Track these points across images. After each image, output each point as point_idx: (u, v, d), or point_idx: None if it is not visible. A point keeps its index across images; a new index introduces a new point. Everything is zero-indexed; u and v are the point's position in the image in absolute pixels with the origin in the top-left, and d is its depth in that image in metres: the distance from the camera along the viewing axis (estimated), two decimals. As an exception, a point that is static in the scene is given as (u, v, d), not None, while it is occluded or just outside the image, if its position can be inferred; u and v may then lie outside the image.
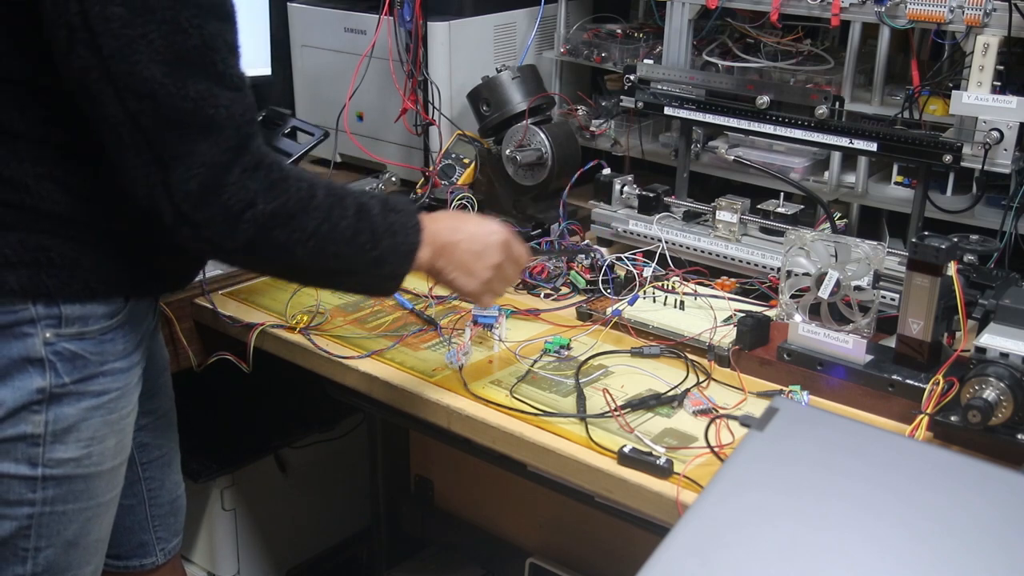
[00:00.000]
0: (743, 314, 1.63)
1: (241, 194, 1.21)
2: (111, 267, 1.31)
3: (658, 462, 1.33)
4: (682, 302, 1.74)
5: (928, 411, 1.37)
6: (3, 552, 1.34)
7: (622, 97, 2.05)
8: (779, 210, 1.84)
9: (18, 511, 1.32)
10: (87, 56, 1.16)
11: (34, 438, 1.30)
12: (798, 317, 1.58)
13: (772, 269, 1.79)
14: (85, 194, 1.27)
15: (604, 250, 1.92)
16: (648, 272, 1.83)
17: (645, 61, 2.03)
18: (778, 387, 1.54)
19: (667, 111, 1.96)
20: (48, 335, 1.29)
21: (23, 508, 1.32)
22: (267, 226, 1.24)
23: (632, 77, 2.01)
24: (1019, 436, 1.31)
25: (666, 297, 1.76)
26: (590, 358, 1.62)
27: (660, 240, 1.90)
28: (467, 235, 1.41)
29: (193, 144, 1.19)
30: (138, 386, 1.43)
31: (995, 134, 1.63)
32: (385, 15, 2.16)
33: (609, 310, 1.73)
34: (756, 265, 1.82)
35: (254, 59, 2.44)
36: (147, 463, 1.62)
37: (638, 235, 1.94)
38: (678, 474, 1.33)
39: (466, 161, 2.18)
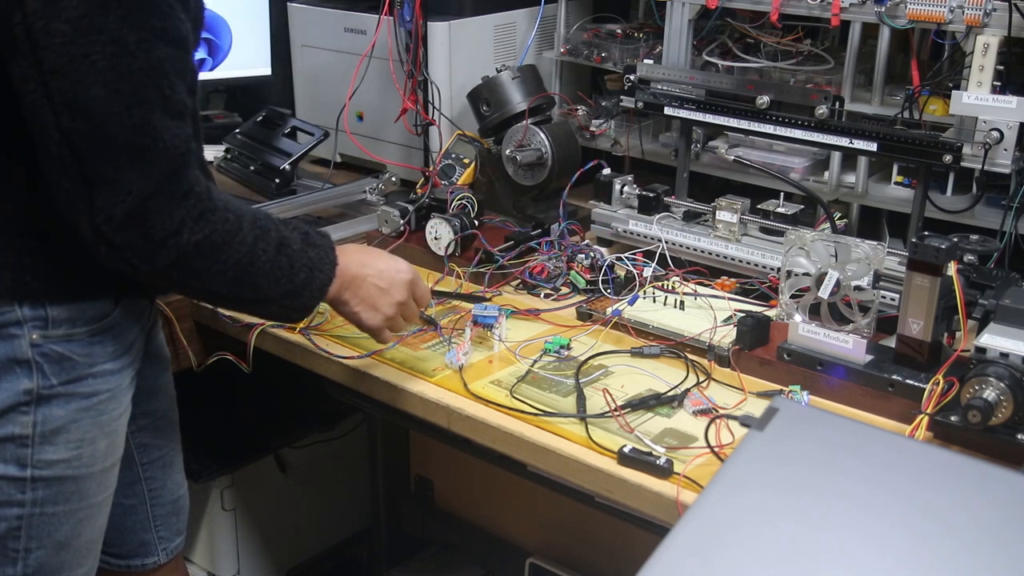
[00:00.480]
0: (743, 314, 1.63)
1: (166, 222, 1.21)
2: (97, 269, 1.30)
3: (658, 462, 1.33)
4: (682, 302, 1.74)
5: (928, 411, 1.37)
6: None
7: (622, 97, 2.05)
8: (779, 210, 1.84)
9: (8, 512, 1.33)
10: (26, 67, 1.15)
11: (22, 439, 1.31)
12: (798, 317, 1.58)
13: (772, 269, 1.79)
14: None
15: (604, 250, 1.92)
16: (648, 272, 1.83)
17: (645, 61, 2.03)
18: (778, 387, 1.54)
19: (667, 111, 1.96)
20: (35, 336, 1.29)
21: (12, 509, 1.33)
22: (189, 255, 1.24)
23: (632, 77, 2.01)
24: (1019, 436, 1.31)
25: (666, 297, 1.76)
26: (590, 358, 1.62)
27: (660, 240, 1.89)
28: (375, 271, 1.45)
29: (124, 171, 1.18)
30: (131, 387, 1.43)
31: (995, 134, 1.63)
32: (385, 15, 2.16)
33: (609, 310, 1.73)
34: (756, 265, 1.82)
35: (254, 59, 2.46)
36: (147, 463, 1.62)
37: (638, 235, 1.94)
38: (678, 474, 1.33)
39: (466, 161, 2.18)
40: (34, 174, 1.25)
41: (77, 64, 1.14)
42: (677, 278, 1.83)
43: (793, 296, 1.61)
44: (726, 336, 1.63)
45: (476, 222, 1.95)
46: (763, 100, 1.83)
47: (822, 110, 1.78)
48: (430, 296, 1.58)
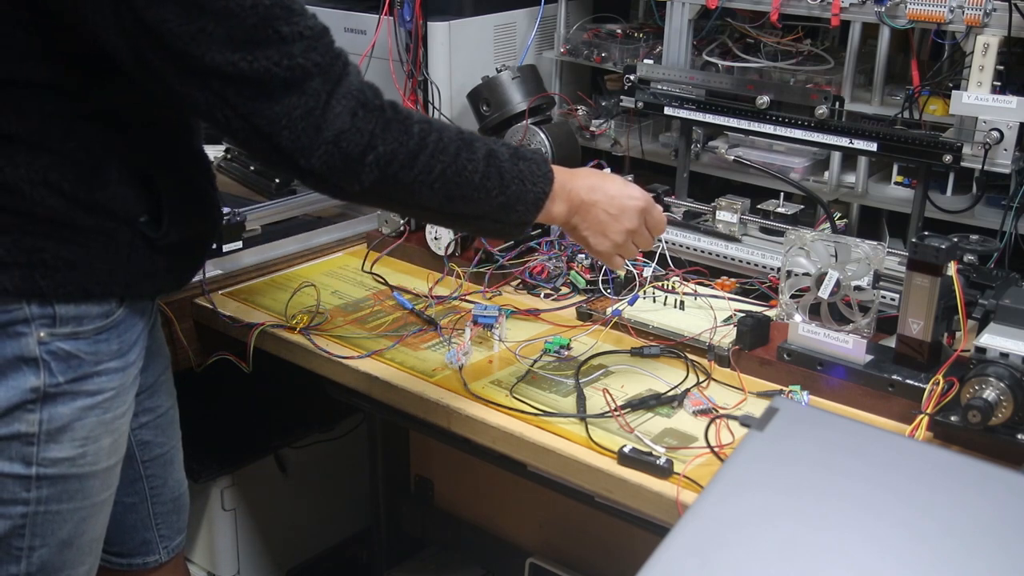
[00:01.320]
0: (743, 314, 1.63)
1: (358, 138, 1.23)
2: (105, 268, 1.31)
3: (658, 462, 1.33)
4: (682, 302, 1.74)
5: (928, 411, 1.37)
6: None
7: (622, 97, 2.05)
8: (779, 210, 1.84)
9: (12, 510, 1.32)
10: (156, 58, 1.18)
11: (28, 437, 1.30)
12: (798, 317, 1.58)
13: (772, 269, 1.79)
14: (80, 197, 1.27)
15: (604, 250, 1.92)
16: (648, 272, 1.83)
17: (645, 61, 2.03)
18: (778, 387, 1.54)
19: (667, 111, 1.96)
20: (42, 335, 1.29)
21: (17, 507, 1.32)
22: (390, 168, 1.25)
23: (632, 77, 2.01)
24: (1019, 436, 1.31)
25: (666, 297, 1.76)
26: (590, 358, 1.62)
27: (660, 240, 1.89)
28: (605, 197, 1.43)
29: (281, 104, 1.20)
30: (134, 385, 1.43)
31: (995, 134, 1.63)
32: (385, 15, 2.16)
33: (609, 310, 1.73)
34: (756, 265, 1.82)
35: (254, 59, 2.45)
36: (148, 461, 1.62)
37: (638, 235, 1.94)
38: (678, 474, 1.33)
39: (466, 161, 2.18)
40: (46, 176, 1.25)
41: (199, 38, 1.16)
42: (677, 278, 1.83)
43: (793, 296, 1.61)
44: (726, 336, 1.63)
45: (476, 222, 1.95)
46: (763, 100, 1.83)
47: (822, 110, 1.78)
48: (666, 224, 1.55)
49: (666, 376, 1.57)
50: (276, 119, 1.20)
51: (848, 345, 1.50)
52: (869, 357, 1.50)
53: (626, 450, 1.36)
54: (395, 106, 1.28)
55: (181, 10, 1.15)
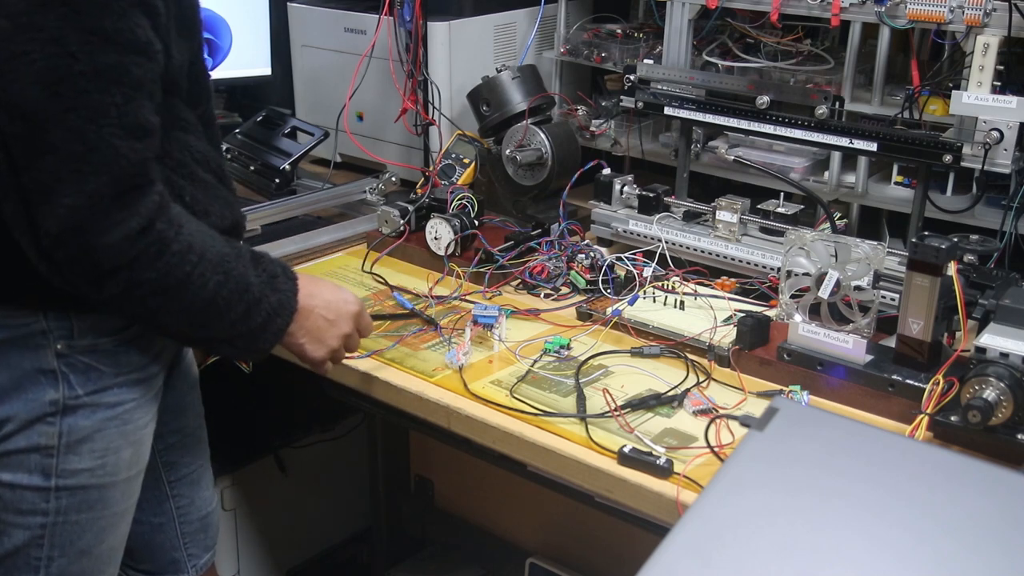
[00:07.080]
0: (743, 314, 1.63)
1: (116, 258, 1.17)
2: None
3: (658, 462, 1.33)
4: (682, 302, 1.74)
5: (928, 411, 1.37)
6: (16, 562, 1.33)
7: (622, 97, 2.05)
8: (779, 210, 1.84)
9: (31, 520, 1.32)
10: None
11: (47, 449, 1.30)
12: (798, 317, 1.58)
13: (772, 269, 1.79)
14: None
15: (604, 250, 1.92)
16: (648, 272, 1.83)
17: (645, 61, 2.03)
18: (778, 387, 1.54)
19: (667, 111, 1.96)
20: (60, 347, 1.28)
21: (36, 518, 1.32)
22: (139, 292, 1.20)
23: (632, 77, 2.01)
24: (1019, 436, 1.31)
25: (666, 297, 1.76)
26: (590, 358, 1.62)
27: (660, 240, 1.89)
28: (323, 302, 1.40)
29: (61, 181, 1.12)
30: (158, 397, 1.42)
31: (995, 134, 1.63)
32: (385, 15, 2.16)
33: (609, 310, 1.73)
34: (756, 265, 1.82)
35: (254, 59, 2.45)
36: (175, 481, 1.61)
37: (638, 235, 1.94)
38: (678, 474, 1.33)
39: (466, 161, 2.18)
40: None
41: (15, 63, 1.10)
42: (677, 278, 1.83)
43: (793, 296, 1.61)
44: (726, 336, 1.62)
45: (476, 222, 1.95)
46: (763, 100, 1.83)
47: (822, 110, 1.78)
48: (373, 326, 1.55)
49: (666, 376, 1.57)
50: (45, 191, 1.13)
51: (848, 345, 1.50)
52: (869, 357, 1.50)
53: (626, 450, 1.36)
54: (179, 233, 1.21)
55: (11, 26, 1.09)
